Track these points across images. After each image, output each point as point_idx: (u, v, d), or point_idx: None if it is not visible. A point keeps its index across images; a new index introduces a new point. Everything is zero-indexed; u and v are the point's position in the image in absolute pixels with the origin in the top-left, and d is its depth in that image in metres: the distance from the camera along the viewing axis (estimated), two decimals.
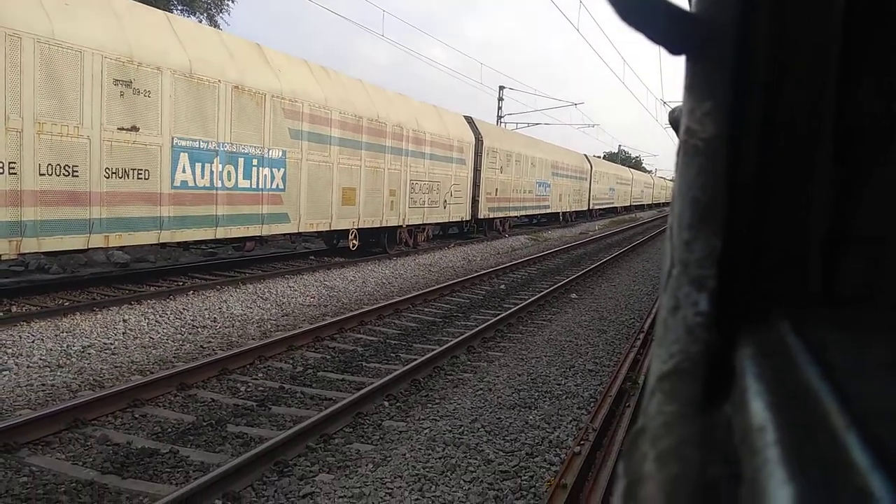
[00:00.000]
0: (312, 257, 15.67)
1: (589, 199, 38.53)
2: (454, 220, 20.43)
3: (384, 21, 38.88)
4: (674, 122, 1.02)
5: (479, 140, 21.38)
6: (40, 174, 7.89)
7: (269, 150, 11.76)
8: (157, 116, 9.44)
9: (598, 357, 8.18)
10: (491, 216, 23.05)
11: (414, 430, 5.60)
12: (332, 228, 14.22)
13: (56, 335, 7.59)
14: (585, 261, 18.36)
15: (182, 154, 9.90)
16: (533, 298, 11.37)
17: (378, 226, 15.97)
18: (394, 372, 6.80)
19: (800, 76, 0.46)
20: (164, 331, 8.34)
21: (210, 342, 8.04)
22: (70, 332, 7.73)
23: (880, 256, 0.47)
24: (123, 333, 8.01)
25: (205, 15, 27.16)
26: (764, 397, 0.36)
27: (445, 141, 19.01)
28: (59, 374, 6.51)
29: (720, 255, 0.46)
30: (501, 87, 37.55)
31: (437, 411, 6.06)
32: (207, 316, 9.20)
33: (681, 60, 0.50)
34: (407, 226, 17.45)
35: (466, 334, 8.55)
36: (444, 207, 19.39)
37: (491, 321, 9.41)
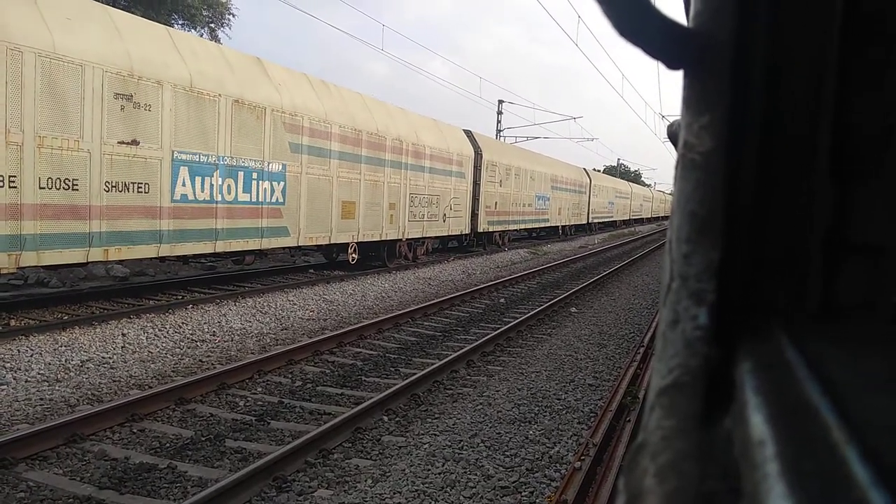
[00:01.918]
0: (312, 271, 15.66)
1: (588, 213, 38.59)
2: (454, 233, 20.45)
3: (384, 35, 39.07)
4: (672, 135, 1.03)
5: (478, 153, 21.45)
6: (40, 188, 7.90)
7: (269, 163, 11.79)
8: (157, 130, 9.47)
9: (598, 371, 8.15)
10: (490, 230, 23.06)
11: (413, 445, 5.57)
12: (332, 242, 14.22)
13: (55, 349, 7.56)
14: (585, 275, 18.35)
15: (182, 168, 9.93)
16: (532, 312, 11.35)
17: (377, 239, 15.98)
18: (393, 386, 6.77)
19: (797, 90, 0.47)
20: (163, 345, 8.32)
21: (209, 356, 8.01)
22: (69, 347, 7.70)
23: (880, 266, 0.47)
24: (122, 347, 7.98)
25: (206, 29, 27.34)
26: (763, 411, 0.36)
27: (445, 154, 19.06)
28: (57, 388, 6.49)
29: (719, 269, 0.46)
30: (500, 101, 37.75)
31: (437, 426, 6.03)
32: (206, 330, 9.18)
33: (679, 75, 0.50)
34: (406, 239, 17.45)
35: (466, 348, 8.52)
36: (444, 221, 19.41)
37: (490, 335, 9.38)
